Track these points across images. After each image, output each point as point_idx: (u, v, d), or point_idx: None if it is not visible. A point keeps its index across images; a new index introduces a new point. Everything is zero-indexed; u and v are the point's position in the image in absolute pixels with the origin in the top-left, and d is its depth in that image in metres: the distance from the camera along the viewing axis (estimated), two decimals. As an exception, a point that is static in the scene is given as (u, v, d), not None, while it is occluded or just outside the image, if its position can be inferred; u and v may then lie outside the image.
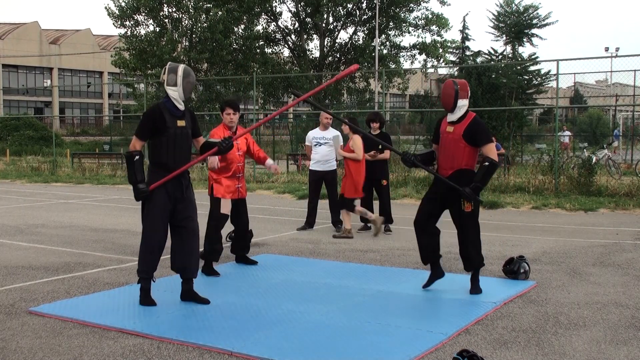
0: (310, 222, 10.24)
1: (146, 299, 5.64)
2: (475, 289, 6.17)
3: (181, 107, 5.63)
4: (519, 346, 4.64)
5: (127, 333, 4.90)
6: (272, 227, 10.53)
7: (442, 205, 6.19)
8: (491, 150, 5.97)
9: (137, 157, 5.47)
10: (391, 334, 4.85)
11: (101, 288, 6.35)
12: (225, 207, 7.21)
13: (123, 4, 32.66)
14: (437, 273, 6.33)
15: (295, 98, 6.05)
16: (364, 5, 36.90)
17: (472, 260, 6.15)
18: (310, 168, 10.28)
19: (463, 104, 6.00)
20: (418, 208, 6.33)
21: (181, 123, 5.59)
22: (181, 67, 5.63)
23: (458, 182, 5.93)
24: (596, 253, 8.20)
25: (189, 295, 5.81)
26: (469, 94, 6.08)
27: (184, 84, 5.58)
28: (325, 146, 9.96)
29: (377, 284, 6.52)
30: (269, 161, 7.53)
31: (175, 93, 5.58)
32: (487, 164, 5.90)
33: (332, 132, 10.04)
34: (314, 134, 10.10)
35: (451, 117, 6.07)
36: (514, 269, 6.69)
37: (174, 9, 33.23)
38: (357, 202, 9.68)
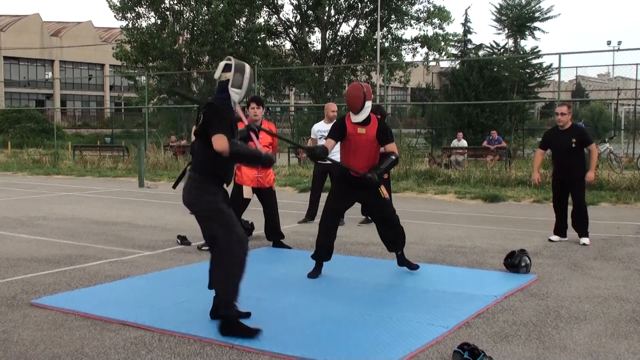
0: (311, 215, 10.24)
1: (249, 329, 4.62)
2: (412, 264, 6.71)
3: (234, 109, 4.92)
4: (519, 340, 4.64)
5: (128, 325, 4.91)
6: (273, 220, 10.52)
7: (352, 201, 6.71)
8: (395, 147, 6.53)
9: (234, 141, 4.64)
10: (392, 327, 4.85)
11: (102, 280, 6.36)
12: (247, 193, 7.87)
13: (124, -4, 32.60)
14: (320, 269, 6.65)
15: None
16: (365, -3, 36.86)
17: (400, 242, 6.64)
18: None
19: (368, 105, 6.35)
20: (326, 207, 6.62)
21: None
22: (248, 68, 4.81)
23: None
24: (597, 247, 8.20)
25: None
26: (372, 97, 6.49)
27: (247, 88, 4.80)
28: None
29: (378, 277, 6.53)
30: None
31: (237, 97, 4.75)
32: (394, 157, 6.45)
33: None
34: (319, 127, 10.05)
35: (357, 119, 6.38)
36: (515, 262, 6.70)
37: (175, 1, 33.17)
38: None
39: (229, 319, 4.65)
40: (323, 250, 6.60)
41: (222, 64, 4.82)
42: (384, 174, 6.40)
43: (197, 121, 4.83)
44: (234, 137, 4.73)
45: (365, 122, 6.37)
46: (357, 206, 10.45)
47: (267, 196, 8.14)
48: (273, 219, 8.19)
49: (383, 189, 6.44)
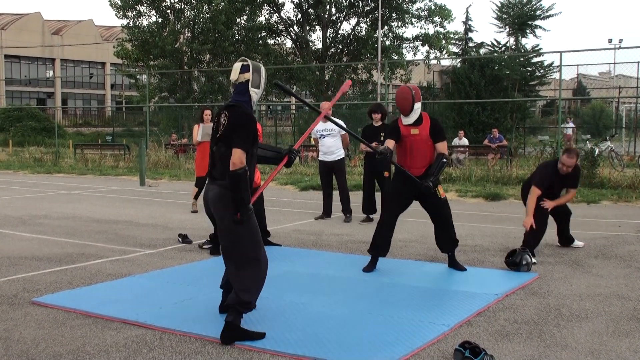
0: (327, 212, 10.35)
1: (252, 334, 4.57)
2: (460, 266, 6.78)
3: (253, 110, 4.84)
4: (520, 338, 4.64)
5: (129, 324, 4.91)
6: (274, 218, 10.52)
7: (409, 200, 6.74)
8: (445, 146, 6.64)
9: (248, 174, 4.52)
10: (393, 326, 4.85)
11: (104, 279, 6.37)
12: None
13: (125, -5, 32.58)
14: (375, 264, 6.80)
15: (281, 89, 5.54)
16: (366, -4, 36.82)
17: (454, 242, 6.79)
18: (319, 159, 10.41)
19: (418, 107, 6.50)
20: (387, 205, 6.78)
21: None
22: (263, 68, 4.81)
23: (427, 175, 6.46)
24: (598, 245, 8.20)
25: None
26: (421, 98, 6.64)
27: (264, 87, 4.80)
28: (328, 137, 9.99)
29: (379, 276, 6.53)
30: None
31: (256, 97, 4.72)
32: (444, 160, 6.52)
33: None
34: (317, 127, 10.11)
35: (407, 120, 6.53)
36: (516, 260, 6.69)
37: (176, 0, 33.16)
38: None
39: (234, 326, 4.53)
40: (377, 246, 6.73)
41: (237, 65, 4.73)
42: (438, 178, 6.54)
43: (216, 124, 4.74)
44: (256, 142, 4.67)
45: (417, 123, 6.53)
46: (358, 204, 10.48)
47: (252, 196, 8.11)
48: (262, 217, 8.19)
49: (440, 189, 6.59)
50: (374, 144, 9.66)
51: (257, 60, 33.71)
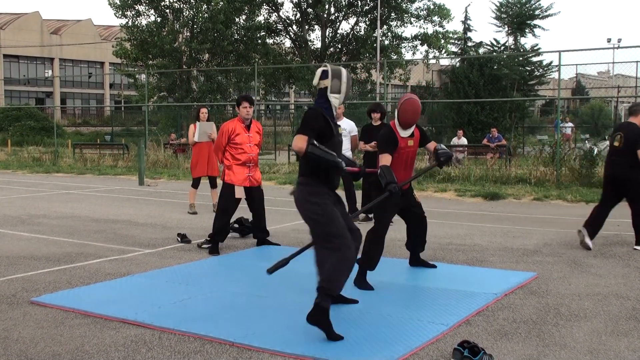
0: None
1: (332, 330, 4.62)
2: (429, 264, 6.87)
3: (334, 114, 4.97)
4: (519, 337, 4.65)
5: (128, 323, 4.91)
6: (273, 217, 10.52)
7: (398, 208, 6.55)
8: (434, 143, 6.54)
9: (314, 141, 4.64)
10: (392, 325, 4.86)
11: (103, 278, 6.37)
12: (239, 193, 7.83)
13: (124, -6, 32.55)
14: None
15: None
16: (365, -5, 36.81)
17: (424, 242, 6.83)
18: None
19: None
20: (384, 219, 6.37)
21: (340, 131, 5.36)
22: (344, 72, 4.91)
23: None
24: (597, 244, 8.20)
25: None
26: None
27: (346, 90, 4.91)
28: None
29: (377, 275, 6.51)
30: None
31: (337, 101, 4.87)
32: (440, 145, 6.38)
33: (346, 122, 10.07)
34: None
35: (406, 133, 6.29)
36: None
37: (175, -1, 33.15)
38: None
39: (321, 309, 4.61)
40: (373, 259, 6.28)
41: (319, 71, 4.91)
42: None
43: None
44: (331, 139, 4.79)
45: (412, 134, 6.36)
46: (357, 204, 10.47)
47: (256, 194, 8.10)
48: (262, 216, 8.23)
49: (416, 194, 6.67)
50: (373, 144, 9.70)
51: (256, 59, 33.72)
